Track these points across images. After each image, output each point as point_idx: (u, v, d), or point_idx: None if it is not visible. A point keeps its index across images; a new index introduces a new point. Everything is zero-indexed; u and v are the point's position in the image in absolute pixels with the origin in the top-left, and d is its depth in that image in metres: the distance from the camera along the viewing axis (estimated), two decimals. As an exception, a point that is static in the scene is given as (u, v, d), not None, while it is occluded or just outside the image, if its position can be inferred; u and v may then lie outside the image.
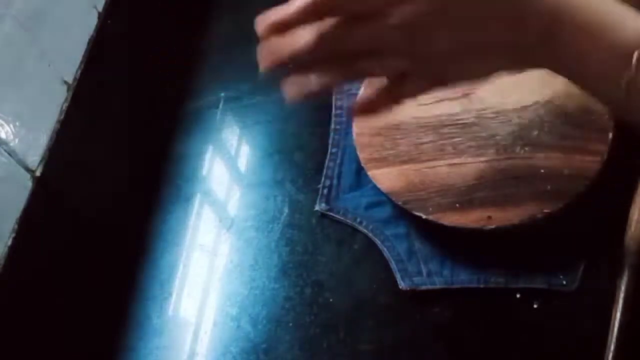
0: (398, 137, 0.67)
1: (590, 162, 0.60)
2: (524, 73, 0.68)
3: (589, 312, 0.56)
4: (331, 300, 0.62)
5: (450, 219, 0.60)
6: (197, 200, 0.72)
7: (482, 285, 0.59)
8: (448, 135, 0.66)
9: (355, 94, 0.72)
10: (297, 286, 0.63)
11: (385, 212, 0.65)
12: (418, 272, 0.61)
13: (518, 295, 0.58)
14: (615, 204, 0.58)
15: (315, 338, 0.60)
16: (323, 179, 0.69)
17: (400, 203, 0.62)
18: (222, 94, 0.81)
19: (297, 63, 0.42)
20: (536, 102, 0.66)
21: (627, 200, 0.57)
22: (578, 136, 0.62)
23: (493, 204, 0.60)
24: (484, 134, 0.65)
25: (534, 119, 0.65)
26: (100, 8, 0.90)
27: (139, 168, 0.77)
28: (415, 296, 0.60)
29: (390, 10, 0.39)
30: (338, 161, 0.70)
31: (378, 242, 0.64)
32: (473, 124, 0.66)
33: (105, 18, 0.90)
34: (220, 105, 0.80)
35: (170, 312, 0.64)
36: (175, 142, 0.79)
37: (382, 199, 0.65)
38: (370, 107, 0.44)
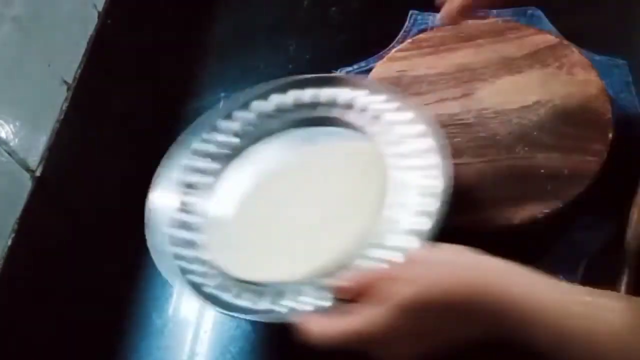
0: (398, 137, 0.67)
1: (590, 162, 0.60)
2: (524, 73, 0.69)
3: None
4: (331, 300, 0.62)
5: (451, 219, 0.60)
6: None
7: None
8: (448, 135, 0.66)
9: (355, 94, 0.72)
10: (297, 286, 0.63)
11: (385, 212, 0.65)
12: (418, 272, 0.61)
13: (518, 295, 0.58)
14: (615, 204, 0.58)
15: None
16: (323, 179, 0.69)
17: (400, 203, 0.62)
18: (222, 94, 0.81)
19: None
20: (536, 102, 0.66)
21: (627, 200, 0.57)
22: (578, 136, 0.62)
23: (493, 204, 0.60)
24: (484, 134, 0.65)
25: (534, 119, 0.65)
26: (100, 8, 0.90)
27: (139, 168, 0.77)
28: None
29: None
30: (338, 161, 0.70)
31: (378, 242, 0.64)
32: (473, 124, 0.66)
33: (105, 18, 0.90)
34: (220, 105, 0.80)
35: (170, 312, 0.64)
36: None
37: (382, 199, 0.65)
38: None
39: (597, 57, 0.70)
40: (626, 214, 0.57)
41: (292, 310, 0.49)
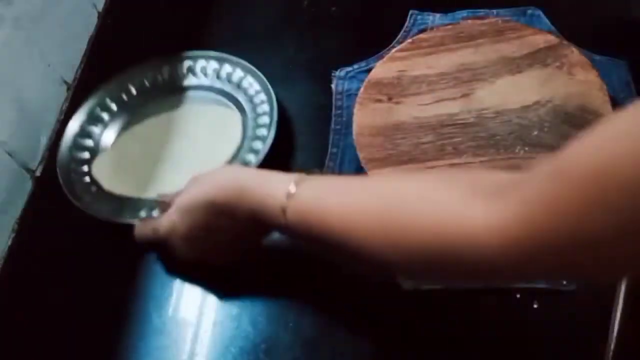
0: (398, 137, 0.67)
1: (590, 162, 0.60)
2: (524, 73, 0.69)
3: (589, 312, 0.56)
4: (331, 300, 0.62)
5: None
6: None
7: (482, 286, 0.59)
8: (448, 135, 0.66)
9: (355, 94, 0.72)
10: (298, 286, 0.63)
11: (385, 212, 0.65)
12: (418, 272, 0.61)
13: (518, 295, 0.58)
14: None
15: (315, 338, 0.60)
16: (323, 179, 0.69)
17: (400, 203, 0.62)
18: (222, 94, 0.81)
19: None
20: (536, 102, 0.66)
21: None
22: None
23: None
24: (484, 134, 0.65)
25: (534, 119, 0.65)
26: (100, 8, 0.90)
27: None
28: (416, 296, 0.60)
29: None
30: (338, 161, 0.70)
31: (378, 242, 0.64)
32: (473, 124, 0.66)
33: (105, 18, 0.90)
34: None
35: (170, 311, 0.64)
36: (175, 142, 0.78)
37: (382, 199, 0.65)
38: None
39: (597, 57, 0.70)
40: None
41: (138, 217, 0.68)
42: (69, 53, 0.84)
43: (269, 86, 0.75)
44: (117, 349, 0.62)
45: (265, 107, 0.74)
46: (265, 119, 0.73)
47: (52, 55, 0.80)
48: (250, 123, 0.74)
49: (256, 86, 0.77)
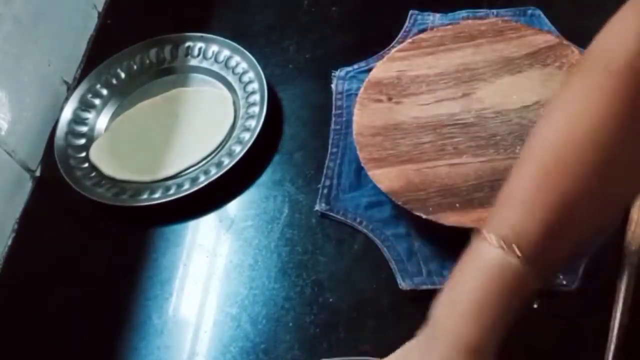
0: (398, 137, 0.67)
1: (590, 162, 0.60)
2: (524, 73, 0.69)
3: (589, 312, 0.56)
4: (331, 300, 0.62)
5: (450, 219, 0.60)
6: (197, 200, 0.72)
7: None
8: (448, 135, 0.66)
9: (355, 94, 0.72)
10: (297, 286, 0.63)
11: (385, 212, 0.65)
12: (418, 272, 0.61)
13: (518, 295, 0.58)
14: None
15: (315, 338, 0.60)
16: (323, 179, 0.69)
17: (400, 203, 0.62)
18: (222, 94, 0.81)
19: None
20: (536, 102, 0.66)
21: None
22: (578, 136, 0.62)
23: (493, 204, 0.60)
24: (484, 134, 0.65)
25: (534, 119, 0.65)
26: (100, 8, 0.90)
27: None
28: (415, 296, 0.60)
29: None
30: (338, 161, 0.70)
31: (378, 242, 0.64)
32: (473, 124, 0.66)
33: (105, 18, 0.90)
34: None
35: (170, 312, 0.64)
36: (175, 142, 0.78)
37: (382, 199, 0.65)
38: None
39: (597, 57, 0.70)
40: (626, 214, 0.57)
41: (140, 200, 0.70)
42: (69, 53, 0.85)
43: (257, 63, 0.77)
44: (117, 349, 0.62)
45: (255, 86, 0.76)
46: (255, 97, 0.75)
47: (52, 55, 0.80)
48: (241, 102, 0.76)
49: (243, 65, 0.78)
